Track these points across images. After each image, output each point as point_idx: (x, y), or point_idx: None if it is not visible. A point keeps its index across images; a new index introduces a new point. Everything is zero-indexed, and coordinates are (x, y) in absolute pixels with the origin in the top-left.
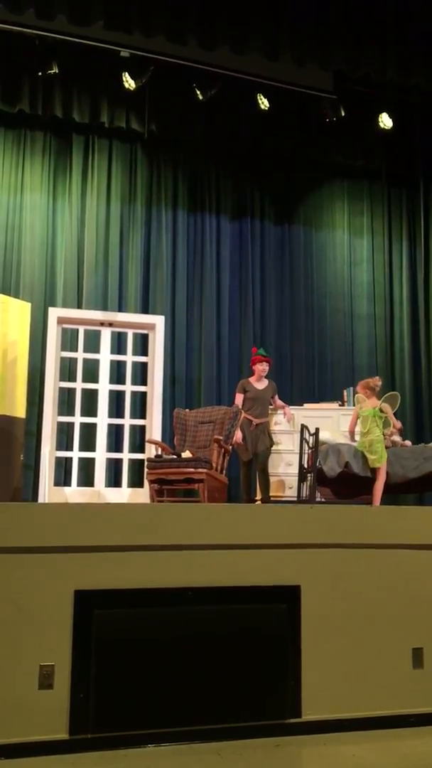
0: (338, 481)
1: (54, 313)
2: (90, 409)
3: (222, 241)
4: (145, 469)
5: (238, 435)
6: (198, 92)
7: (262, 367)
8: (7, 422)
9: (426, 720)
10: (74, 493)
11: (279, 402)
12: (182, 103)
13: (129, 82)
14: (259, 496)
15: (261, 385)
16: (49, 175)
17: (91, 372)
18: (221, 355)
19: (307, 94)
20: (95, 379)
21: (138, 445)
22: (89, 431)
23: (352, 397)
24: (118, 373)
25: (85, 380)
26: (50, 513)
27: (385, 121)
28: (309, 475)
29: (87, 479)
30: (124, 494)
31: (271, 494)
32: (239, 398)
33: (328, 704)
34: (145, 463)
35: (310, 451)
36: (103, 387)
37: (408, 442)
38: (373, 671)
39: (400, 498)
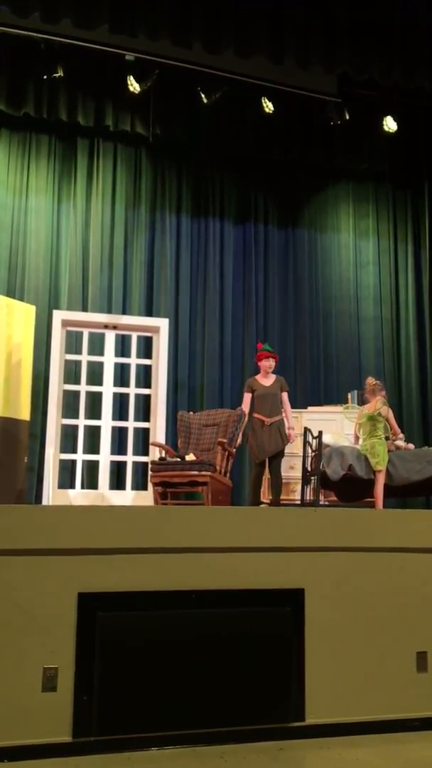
0: (342, 484)
1: (58, 316)
2: (94, 411)
3: (226, 244)
4: (149, 472)
5: (250, 437)
6: (203, 96)
7: (268, 363)
8: (12, 425)
9: (430, 724)
10: (78, 496)
11: (287, 404)
12: (187, 107)
13: (134, 86)
14: (266, 499)
15: (268, 381)
16: (54, 179)
17: (96, 375)
18: (224, 358)
19: (311, 98)
20: (99, 382)
21: (142, 447)
22: (93, 434)
23: (357, 400)
24: (122, 375)
25: (89, 383)
26: (54, 515)
27: (390, 124)
28: (312, 478)
29: (91, 482)
30: (127, 497)
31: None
32: (247, 398)
33: (331, 708)
34: (149, 465)
35: (313, 454)
36: (107, 390)
37: (411, 445)
38: (377, 675)
39: (408, 501)
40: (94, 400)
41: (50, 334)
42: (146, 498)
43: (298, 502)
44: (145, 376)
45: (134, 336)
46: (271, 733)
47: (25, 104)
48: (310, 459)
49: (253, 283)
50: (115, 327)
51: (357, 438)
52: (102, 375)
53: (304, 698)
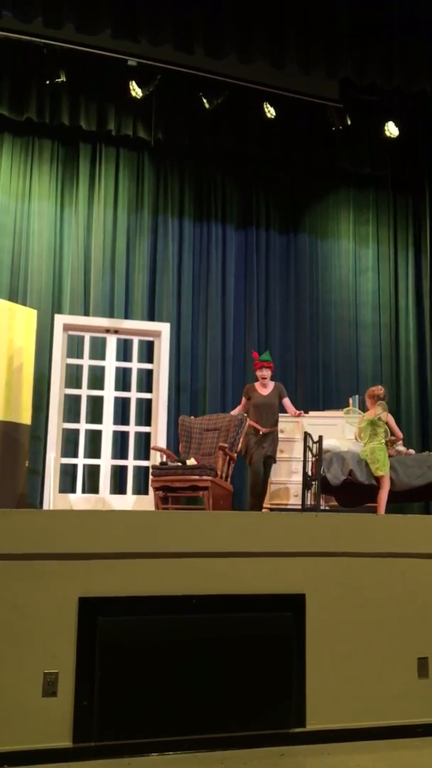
0: (342, 489)
1: (60, 320)
2: (95, 415)
3: (228, 249)
4: (150, 477)
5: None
6: (204, 101)
7: (261, 374)
8: (13, 428)
9: (431, 730)
10: (79, 500)
11: (291, 407)
12: (189, 112)
13: (136, 91)
14: (268, 504)
15: (266, 390)
16: (57, 183)
17: (97, 379)
18: (226, 362)
19: (313, 103)
20: (101, 386)
21: (143, 452)
22: (94, 438)
23: (357, 405)
24: (123, 380)
25: (90, 387)
26: (55, 520)
27: (391, 129)
28: (313, 482)
29: (92, 486)
30: (128, 501)
31: (276, 502)
32: (243, 402)
33: (332, 714)
34: (150, 470)
35: (313, 458)
36: (109, 394)
37: (411, 451)
38: (378, 681)
39: (406, 506)
40: (96, 404)
41: (52, 338)
42: (147, 502)
43: (299, 507)
44: (147, 381)
45: (136, 340)
46: (272, 738)
47: (28, 109)
48: (310, 464)
49: (254, 287)
50: (116, 331)
51: (357, 441)
52: (103, 379)
53: (305, 704)
